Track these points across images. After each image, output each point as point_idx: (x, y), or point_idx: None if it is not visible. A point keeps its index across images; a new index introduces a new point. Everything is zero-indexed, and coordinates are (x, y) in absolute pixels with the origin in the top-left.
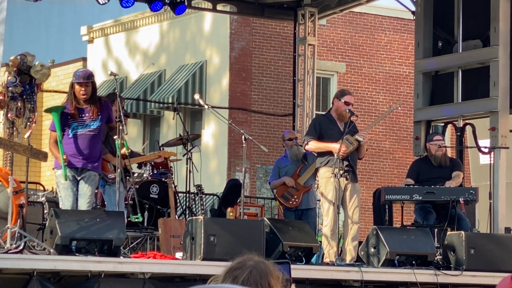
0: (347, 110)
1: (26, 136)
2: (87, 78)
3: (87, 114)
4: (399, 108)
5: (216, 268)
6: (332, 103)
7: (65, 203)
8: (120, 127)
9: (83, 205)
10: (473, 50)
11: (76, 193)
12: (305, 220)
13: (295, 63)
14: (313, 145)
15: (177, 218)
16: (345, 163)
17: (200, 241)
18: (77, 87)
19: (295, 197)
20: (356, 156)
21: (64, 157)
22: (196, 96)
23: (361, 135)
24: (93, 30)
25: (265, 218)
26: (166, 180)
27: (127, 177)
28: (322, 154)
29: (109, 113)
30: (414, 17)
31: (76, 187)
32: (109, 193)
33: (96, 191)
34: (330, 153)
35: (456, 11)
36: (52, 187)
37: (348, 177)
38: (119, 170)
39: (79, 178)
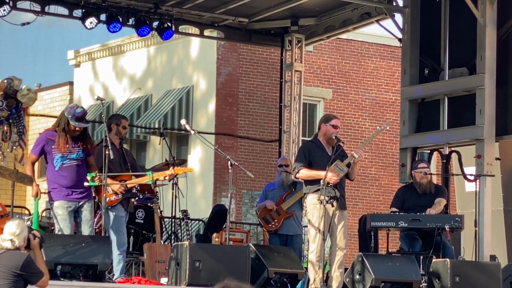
0: (334, 137)
1: (22, 163)
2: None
3: (73, 145)
4: (387, 128)
5: None
6: (319, 129)
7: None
8: (106, 152)
9: (86, 230)
10: (459, 77)
11: (73, 224)
12: (290, 246)
13: (281, 89)
14: (304, 174)
15: (162, 243)
16: (333, 189)
17: (185, 267)
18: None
19: (276, 220)
20: (344, 182)
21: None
22: (183, 121)
23: (357, 152)
24: (80, 54)
25: (251, 244)
26: (151, 205)
27: (130, 199)
28: (311, 180)
29: (91, 145)
30: (401, 44)
31: (74, 218)
32: (109, 217)
33: None
34: (319, 179)
35: (443, 39)
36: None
37: (334, 203)
38: (103, 197)
39: (78, 208)
